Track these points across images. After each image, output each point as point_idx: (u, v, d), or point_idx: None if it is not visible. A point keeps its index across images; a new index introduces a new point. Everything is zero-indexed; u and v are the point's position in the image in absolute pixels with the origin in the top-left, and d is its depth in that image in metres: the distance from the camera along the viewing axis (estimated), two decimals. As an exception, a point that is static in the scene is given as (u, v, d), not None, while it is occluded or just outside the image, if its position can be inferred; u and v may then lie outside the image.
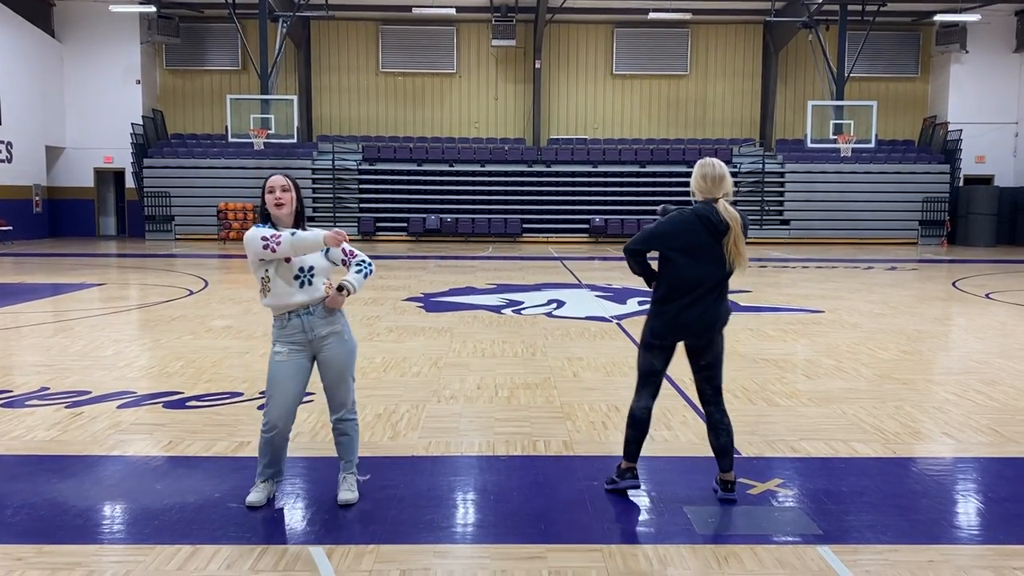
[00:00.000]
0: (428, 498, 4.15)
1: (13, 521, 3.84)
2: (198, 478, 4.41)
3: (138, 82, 27.40)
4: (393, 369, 7.19)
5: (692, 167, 4.12)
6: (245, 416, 5.63)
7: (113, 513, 3.97)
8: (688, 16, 26.95)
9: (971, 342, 8.81)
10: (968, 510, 4.10)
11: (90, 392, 6.27)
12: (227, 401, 6.04)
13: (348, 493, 4.05)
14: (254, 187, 25.53)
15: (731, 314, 4.15)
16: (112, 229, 28.59)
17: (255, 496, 4.01)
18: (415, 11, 26.83)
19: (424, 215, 26.48)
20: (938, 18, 26.21)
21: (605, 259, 19.69)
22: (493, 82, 29.22)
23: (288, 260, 3.90)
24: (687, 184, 4.19)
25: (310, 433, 5.23)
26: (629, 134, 29.33)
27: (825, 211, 26.81)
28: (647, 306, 4.24)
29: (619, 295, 12.52)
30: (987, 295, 12.95)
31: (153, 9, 26.03)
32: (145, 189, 26.23)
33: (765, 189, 27.03)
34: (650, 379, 4.14)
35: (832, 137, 25.33)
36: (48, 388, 6.39)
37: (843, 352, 8.12)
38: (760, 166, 27.09)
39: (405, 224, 26.50)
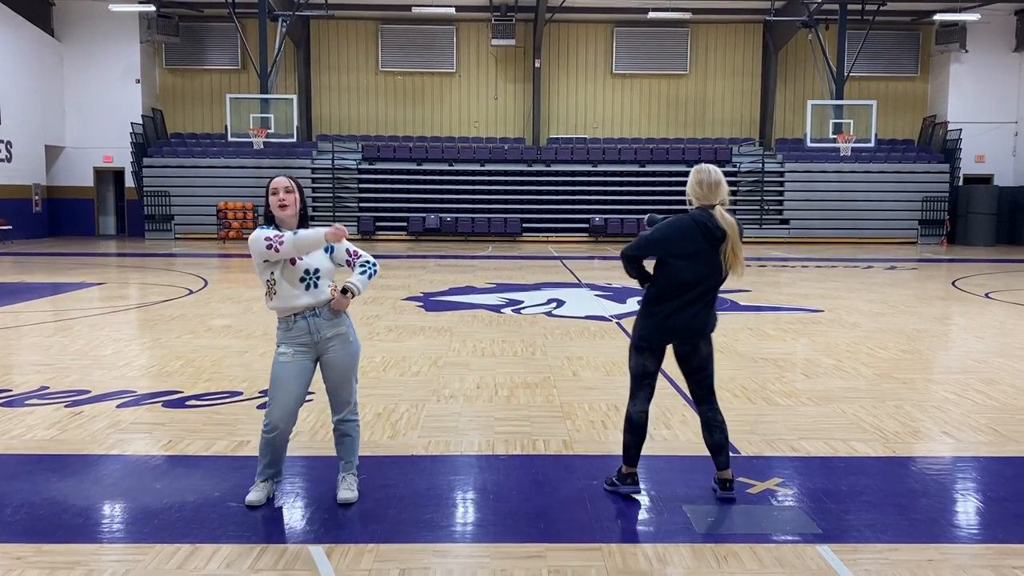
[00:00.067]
0: (427, 497, 4.15)
1: (12, 520, 3.84)
2: (197, 477, 4.41)
3: (138, 81, 27.40)
4: (393, 368, 7.19)
5: (692, 167, 4.13)
6: (245, 415, 5.63)
7: (112, 512, 3.97)
8: (688, 15, 26.94)
9: (970, 341, 8.81)
10: (967, 509, 4.10)
11: (90, 391, 6.27)
12: (227, 400, 6.04)
13: (348, 492, 4.05)
14: (254, 187, 25.58)
15: (717, 321, 4.16)
16: (112, 228, 28.58)
17: (255, 495, 4.01)
18: (415, 10, 26.83)
19: (424, 214, 26.47)
20: (938, 17, 26.20)
21: (605, 258, 19.69)
22: (493, 81, 29.22)
23: (293, 263, 3.90)
24: (686, 184, 4.19)
25: (309, 432, 5.23)
26: (629, 133, 29.33)
27: (825, 210, 26.81)
28: None
29: (619, 294, 12.52)
30: (986, 294, 12.95)
31: (153, 8, 26.02)
32: (145, 188, 26.22)
33: (765, 189, 27.03)
34: (644, 381, 4.14)
35: (832, 136, 25.33)
36: (48, 387, 6.39)
37: (843, 351, 8.12)
38: (760, 165, 27.09)
39: (405, 224, 26.49)
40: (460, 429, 5.37)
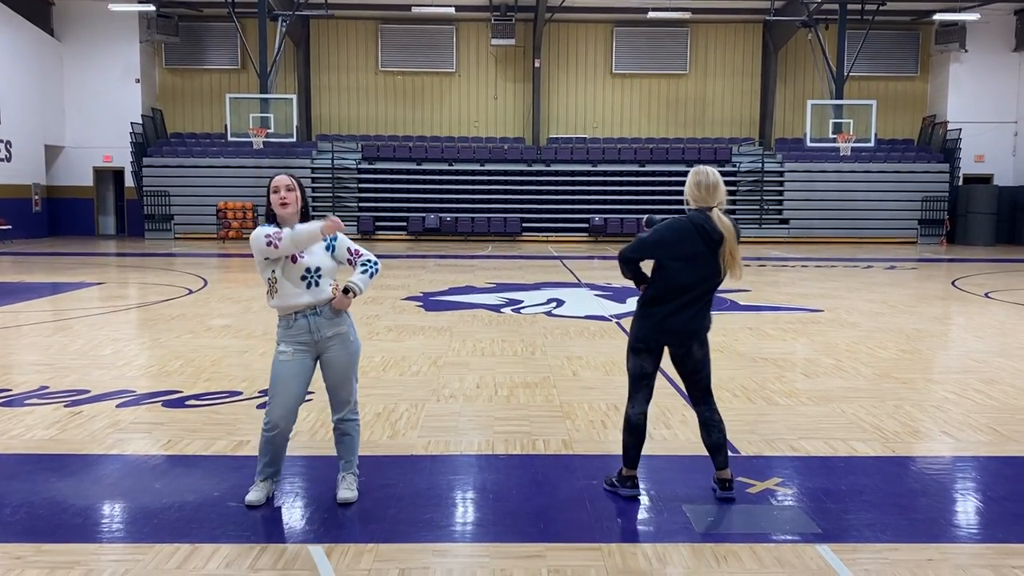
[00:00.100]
0: (427, 497, 4.15)
1: (12, 520, 3.84)
2: (197, 477, 4.41)
3: (137, 81, 27.39)
4: (392, 368, 7.19)
5: (691, 167, 4.13)
6: (244, 415, 5.63)
7: (112, 512, 3.97)
8: (687, 15, 26.94)
9: (970, 341, 8.81)
10: (967, 509, 4.10)
11: (89, 391, 6.27)
12: (226, 400, 6.04)
13: (347, 492, 4.05)
14: (253, 186, 25.57)
15: (711, 323, 4.16)
16: (111, 228, 28.58)
17: (254, 495, 4.01)
18: (414, 10, 26.82)
19: (423, 214, 26.47)
20: (937, 17, 26.20)
21: (604, 258, 19.69)
22: (492, 81, 29.22)
23: (294, 260, 3.90)
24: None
25: (309, 432, 5.22)
26: (628, 133, 29.33)
27: (824, 210, 26.81)
28: None
29: (618, 294, 12.52)
30: (986, 294, 12.95)
31: (152, 8, 26.01)
32: (144, 188, 26.22)
33: (764, 188, 27.03)
34: (642, 382, 4.14)
35: (831, 136, 25.34)
36: (47, 387, 6.39)
37: (842, 351, 8.12)
38: (759, 165, 27.09)
39: (404, 223, 26.49)
40: (460, 429, 5.37)
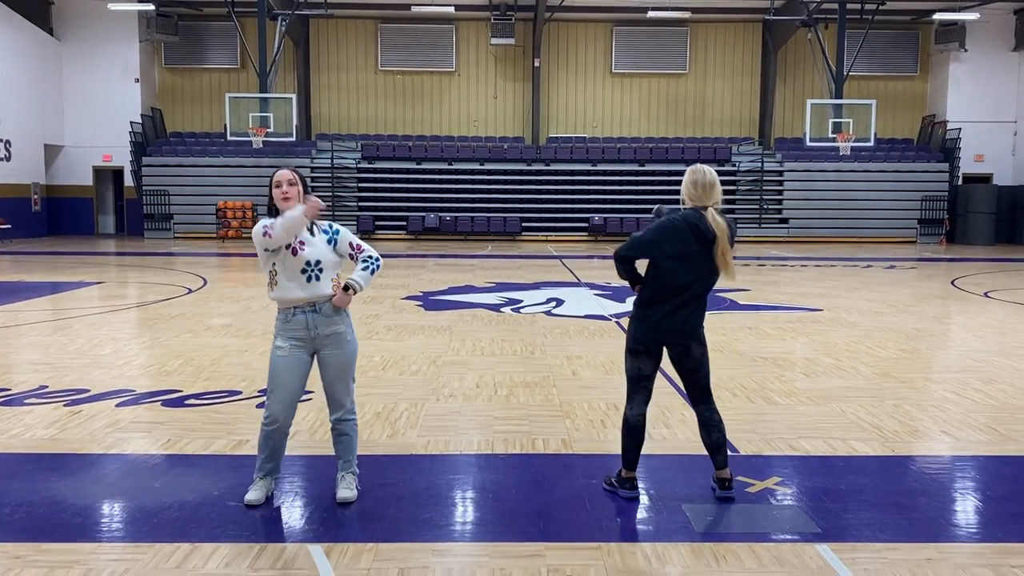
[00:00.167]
0: (427, 496, 4.15)
1: (12, 519, 3.84)
2: (196, 476, 4.41)
3: (137, 80, 27.37)
4: (392, 367, 7.19)
5: (691, 166, 4.12)
6: (244, 414, 5.63)
7: (111, 511, 3.97)
8: (687, 15, 26.92)
9: (970, 340, 8.81)
10: (966, 508, 4.10)
11: (89, 390, 6.27)
12: (226, 399, 6.04)
13: (347, 491, 4.05)
14: (253, 185, 25.57)
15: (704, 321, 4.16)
16: (111, 227, 28.57)
17: (254, 494, 4.01)
18: (414, 9, 26.81)
19: (423, 214, 26.46)
20: (937, 17, 26.19)
21: (604, 258, 19.68)
22: (492, 81, 29.21)
23: (295, 253, 3.90)
24: None
25: (309, 431, 5.23)
26: (628, 133, 29.32)
27: (824, 210, 26.80)
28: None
29: (618, 294, 12.52)
30: (986, 294, 12.96)
31: (152, 7, 25.99)
32: (144, 187, 26.20)
33: (764, 188, 27.02)
34: (640, 384, 4.13)
35: (831, 136, 25.33)
36: (47, 386, 6.39)
37: (842, 350, 8.12)
38: (759, 165, 27.08)
39: (404, 223, 26.48)
40: (459, 428, 5.37)
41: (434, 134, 28.99)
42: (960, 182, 27.41)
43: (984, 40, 27.65)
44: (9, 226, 23.42)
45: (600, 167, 27.30)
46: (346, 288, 3.99)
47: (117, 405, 5.85)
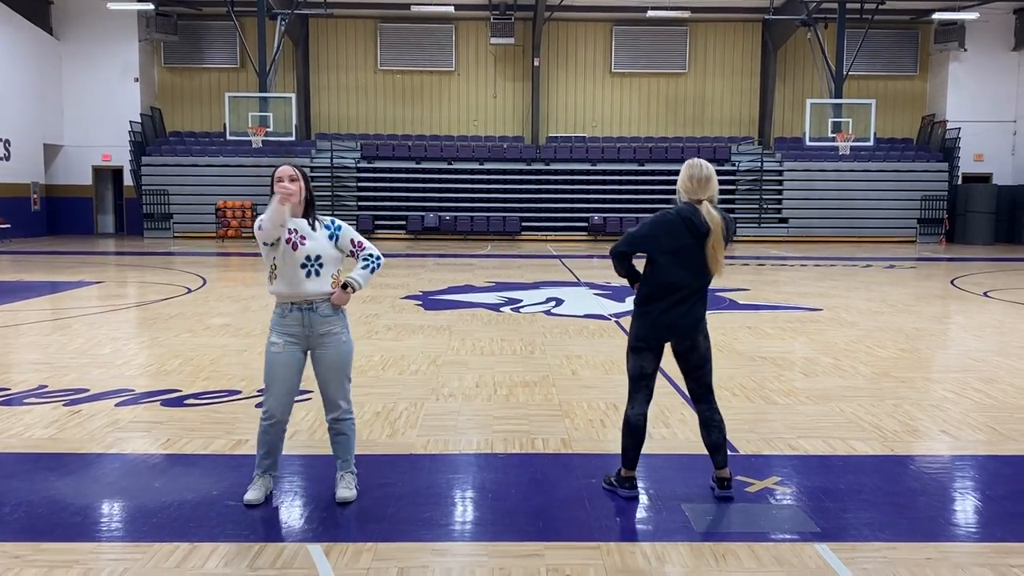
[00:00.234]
0: (426, 496, 4.15)
1: (11, 519, 3.83)
2: (196, 476, 4.41)
3: (136, 80, 27.35)
4: (392, 367, 7.19)
5: (688, 160, 4.11)
6: (243, 414, 5.63)
7: (111, 511, 3.97)
8: (687, 14, 26.91)
9: (969, 340, 8.81)
10: (966, 508, 4.10)
11: (88, 390, 6.27)
12: (225, 399, 6.04)
13: (346, 491, 4.05)
14: (252, 185, 25.56)
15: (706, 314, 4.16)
16: (110, 227, 28.56)
17: (253, 494, 4.01)
18: (413, 9, 26.80)
19: (423, 213, 26.46)
20: (937, 16, 26.20)
21: (604, 257, 19.68)
22: (492, 80, 29.20)
23: (295, 248, 3.90)
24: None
25: (308, 431, 5.23)
26: (628, 132, 29.32)
27: (823, 209, 26.80)
28: None
29: (618, 293, 12.52)
30: (985, 293, 12.96)
31: (151, 7, 25.98)
32: (143, 187, 26.19)
33: (763, 187, 27.02)
34: (642, 383, 4.13)
35: (831, 135, 25.33)
36: (46, 386, 6.39)
37: (841, 350, 8.12)
38: (759, 164, 27.08)
39: (404, 222, 26.48)
40: (459, 428, 5.37)
41: (434, 134, 28.99)
42: (960, 182, 27.41)
43: (984, 40, 27.66)
44: (8, 226, 23.41)
45: (600, 167, 27.29)
46: (345, 286, 3.99)
47: (116, 405, 5.84)
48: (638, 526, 3.86)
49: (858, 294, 12.65)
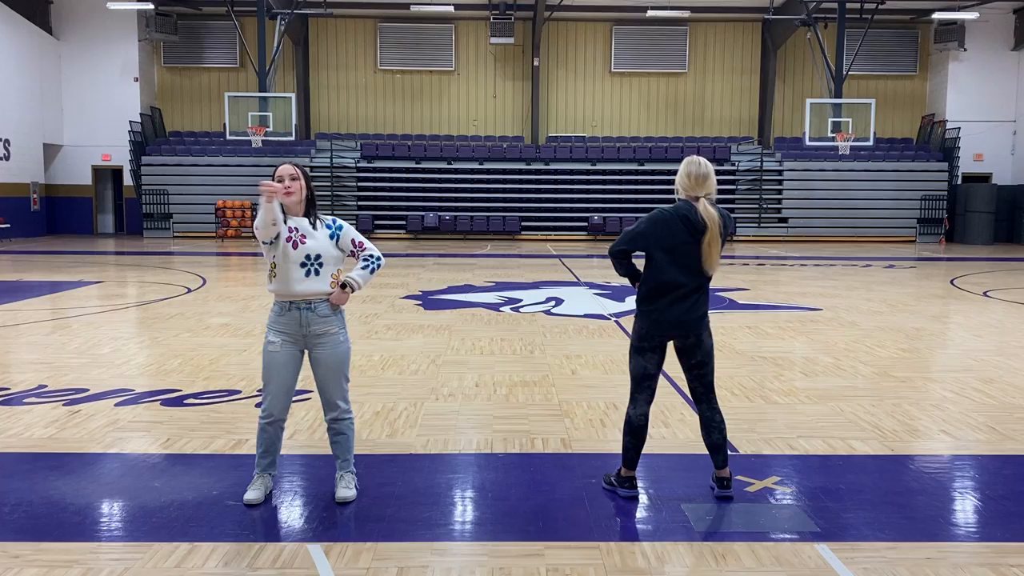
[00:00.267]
0: (426, 496, 4.14)
1: (10, 519, 3.83)
2: (196, 476, 4.40)
3: (136, 80, 27.35)
4: (391, 367, 7.19)
5: (687, 157, 4.11)
6: (243, 413, 5.63)
7: (111, 511, 3.97)
8: (687, 14, 26.91)
9: (969, 340, 8.81)
10: (966, 508, 4.10)
11: (88, 390, 6.26)
12: (225, 399, 6.04)
13: (346, 491, 4.05)
14: (252, 185, 25.50)
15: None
16: (110, 227, 28.55)
17: (253, 493, 4.01)
18: (413, 9, 26.79)
19: (423, 213, 26.46)
20: (936, 16, 26.20)
21: (604, 257, 19.67)
22: (491, 80, 29.20)
23: (295, 247, 3.90)
24: None
25: (308, 431, 5.22)
26: (628, 132, 29.32)
27: (823, 209, 26.81)
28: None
29: (617, 293, 12.52)
30: (985, 293, 12.96)
31: (151, 6, 25.97)
32: (143, 187, 26.19)
33: (763, 187, 27.03)
34: (644, 383, 4.12)
35: (830, 135, 25.31)
36: (46, 386, 6.39)
37: (841, 350, 8.12)
38: (758, 164, 27.08)
39: (404, 222, 26.48)
40: (458, 428, 5.37)
41: (433, 133, 28.99)
42: (959, 181, 27.42)
43: (983, 39, 27.65)
44: (8, 225, 23.41)
45: (599, 166, 27.30)
46: (344, 285, 3.98)
47: (116, 404, 5.84)
48: (638, 526, 3.86)
49: (858, 294, 12.66)
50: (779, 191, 27.21)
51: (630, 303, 11.33)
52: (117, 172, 27.78)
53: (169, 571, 3.32)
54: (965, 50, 27.64)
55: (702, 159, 4.02)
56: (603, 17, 28.66)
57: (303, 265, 3.91)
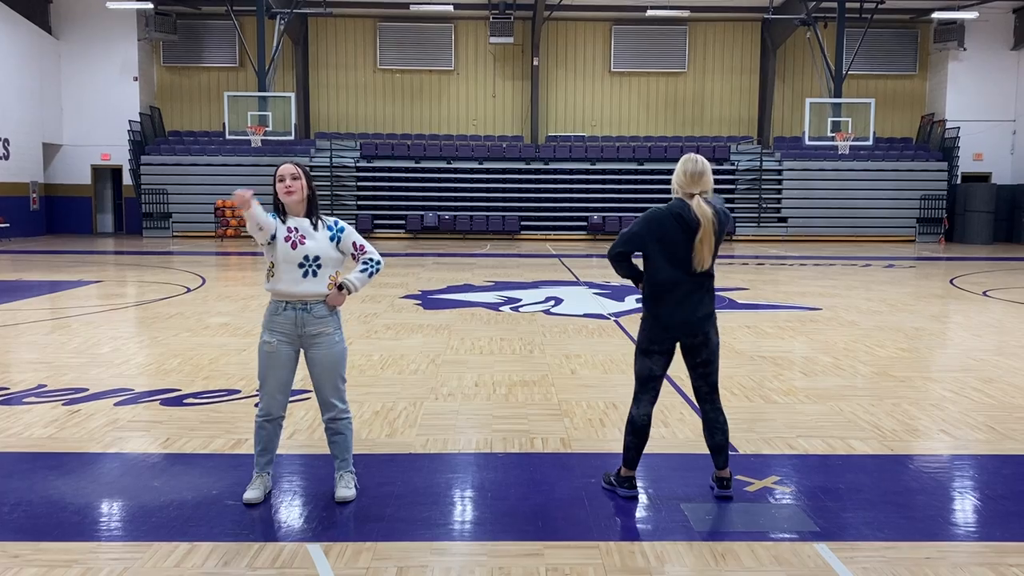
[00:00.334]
0: (425, 495, 4.14)
1: (10, 518, 3.83)
2: (195, 475, 4.40)
3: (135, 79, 27.33)
4: (391, 366, 7.19)
5: (685, 155, 4.10)
6: (242, 413, 5.63)
7: (110, 510, 3.97)
8: (686, 13, 26.90)
9: (968, 339, 8.81)
10: (965, 507, 4.10)
11: (87, 389, 6.26)
12: (224, 398, 6.04)
13: (345, 490, 4.05)
14: (251, 184, 25.32)
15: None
16: (109, 226, 28.54)
17: (252, 493, 4.01)
18: (413, 8, 26.78)
19: (422, 212, 26.46)
20: (936, 15, 26.19)
21: (603, 256, 19.67)
22: (491, 79, 29.19)
23: (294, 247, 3.90)
24: None
25: (308, 431, 5.22)
26: (627, 131, 29.32)
27: (823, 209, 26.81)
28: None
29: (617, 292, 12.52)
30: (984, 293, 12.96)
31: (150, 6, 25.96)
32: (142, 186, 26.18)
33: (763, 187, 27.03)
34: (649, 384, 4.12)
35: (830, 135, 25.32)
36: (45, 385, 6.39)
37: (841, 349, 8.12)
38: (758, 164, 27.09)
39: (403, 221, 26.47)
40: (458, 427, 5.37)
41: (433, 133, 28.98)
42: (959, 181, 27.42)
43: (983, 39, 27.65)
44: (8, 225, 23.40)
45: (599, 166, 27.30)
46: (340, 287, 3.98)
47: (115, 404, 5.84)
48: (638, 525, 3.86)
49: (857, 293, 12.66)
50: (778, 191, 27.21)
51: (629, 303, 11.33)
52: (116, 172, 27.77)
53: (168, 571, 3.32)
54: (965, 50, 27.64)
55: (699, 157, 4.01)
56: (603, 17, 28.65)
57: (301, 266, 3.91)
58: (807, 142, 25.72)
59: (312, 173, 25.83)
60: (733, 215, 25.60)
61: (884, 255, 20.86)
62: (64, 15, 27.08)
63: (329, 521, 3.82)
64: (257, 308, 10.45)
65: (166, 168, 26.27)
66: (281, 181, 3.94)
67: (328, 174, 26.73)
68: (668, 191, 4.10)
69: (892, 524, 3.83)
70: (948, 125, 27.71)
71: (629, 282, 4.21)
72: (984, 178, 28.08)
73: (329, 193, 26.63)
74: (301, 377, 4.17)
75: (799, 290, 13.10)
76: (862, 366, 7.36)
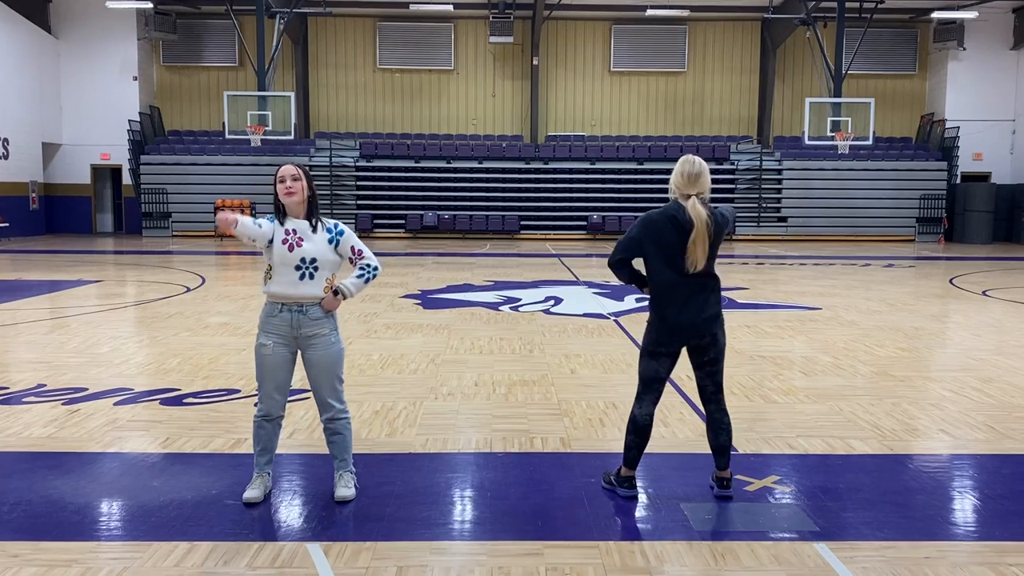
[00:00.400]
0: (425, 495, 4.14)
1: (9, 518, 3.83)
2: (195, 475, 4.40)
3: (135, 78, 27.33)
4: (391, 366, 7.19)
5: (683, 156, 4.10)
6: (242, 413, 5.63)
7: (110, 510, 3.96)
8: (686, 13, 26.90)
9: (968, 339, 8.82)
10: (965, 507, 4.11)
11: (87, 389, 6.26)
12: (224, 398, 6.04)
13: (345, 490, 4.05)
14: (251, 184, 25.54)
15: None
16: (109, 226, 28.53)
17: (252, 493, 4.01)
18: (412, 7, 26.78)
19: (422, 212, 26.46)
20: (936, 15, 26.20)
21: (603, 256, 19.68)
22: (491, 79, 29.19)
23: (291, 249, 3.90)
24: None
25: (307, 430, 5.22)
26: (627, 131, 29.32)
27: (823, 208, 26.82)
28: (645, 303, 4.23)
29: (617, 292, 12.52)
30: (984, 292, 12.96)
31: (150, 5, 25.95)
32: (142, 186, 26.17)
33: (762, 186, 27.03)
34: (654, 385, 4.11)
35: (830, 134, 25.32)
36: (45, 385, 6.38)
37: (840, 349, 8.12)
38: (758, 163, 27.09)
39: (403, 221, 26.47)
40: (458, 427, 5.37)
41: (432, 132, 28.98)
42: (958, 181, 27.43)
43: (983, 39, 27.65)
44: (7, 224, 23.39)
45: (599, 166, 27.30)
46: (336, 292, 3.98)
47: (115, 404, 5.84)
48: (637, 525, 3.86)
49: (857, 293, 12.66)
50: (778, 190, 27.22)
51: (629, 302, 11.33)
52: (116, 171, 27.76)
53: (168, 570, 3.32)
54: (964, 49, 27.64)
55: (696, 158, 4.01)
56: (602, 16, 28.65)
57: (298, 268, 3.91)
58: (807, 142, 25.73)
59: (312, 173, 25.86)
60: (734, 215, 25.57)
61: (884, 255, 20.86)
62: (64, 14, 27.07)
63: (329, 521, 3.82)
64: (257, 308, 10.45)
65: (166, 168, 26.27)
66: (282, 182, 3.94)
67: (328, 174, 26.72)
68: (667, 191, 4.09)
69: (892, 524, 3.83)
70: (948, 125, 27.71)
71: (634, 286, 4.19)
72: (984, 178, 28.09)
73: (329, 193, 26.62)
74: (300, 377, 4.17)
75: (799, 290, 13.11)
76: (862, 366, 7.36)
